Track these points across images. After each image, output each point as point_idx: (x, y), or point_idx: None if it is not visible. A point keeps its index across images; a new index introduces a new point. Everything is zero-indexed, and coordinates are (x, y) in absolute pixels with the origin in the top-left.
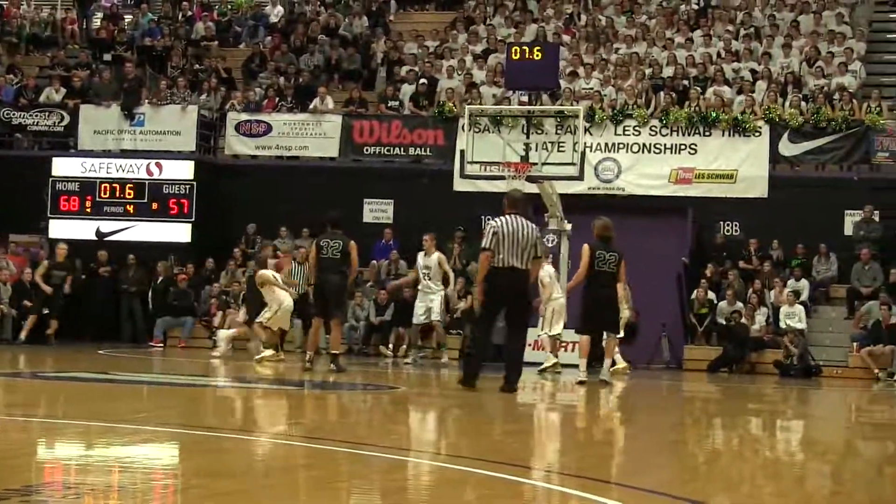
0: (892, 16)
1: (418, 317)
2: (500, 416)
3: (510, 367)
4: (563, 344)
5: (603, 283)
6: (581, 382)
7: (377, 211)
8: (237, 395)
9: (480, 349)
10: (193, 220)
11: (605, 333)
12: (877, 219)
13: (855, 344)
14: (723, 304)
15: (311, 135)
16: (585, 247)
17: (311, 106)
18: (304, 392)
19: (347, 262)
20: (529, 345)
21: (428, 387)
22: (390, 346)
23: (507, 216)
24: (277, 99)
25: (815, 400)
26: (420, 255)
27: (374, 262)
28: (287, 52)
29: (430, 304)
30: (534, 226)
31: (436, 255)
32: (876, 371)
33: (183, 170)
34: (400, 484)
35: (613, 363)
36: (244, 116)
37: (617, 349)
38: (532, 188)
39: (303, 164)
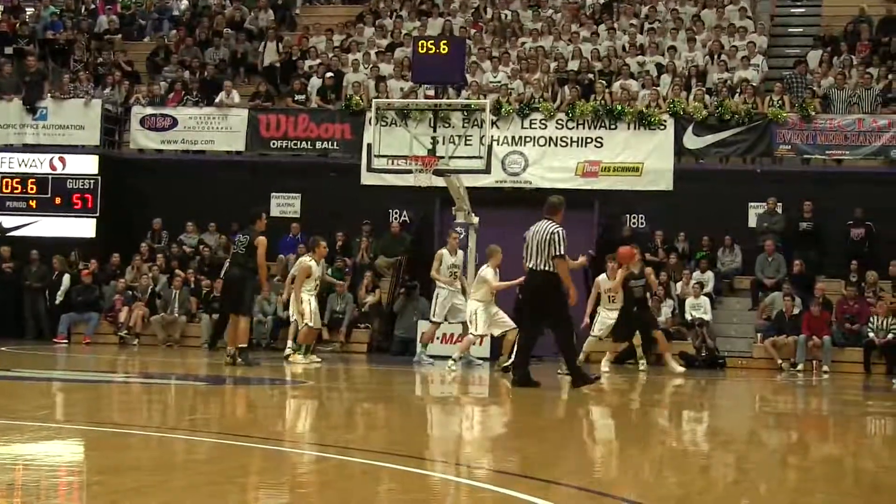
0: (793, 10)
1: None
2: (410, 410)
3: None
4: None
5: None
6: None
7: (284, 205)
8: (143, 390)
9: (525, 347)
10: (98, 215)
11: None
12: (780, 211)
13: (759, 335)
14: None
15: (217, 129)
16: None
17: (216, 100)
18: (211, 387)
19: (252, 257)
20: (439, 338)
21: (337, 381)
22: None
23: (538, 222)
24: (183, 93)
25: (720, 390)
26: (445, 253)
27: (282, 256)
28: (192, 46)
29: (458, 302)
30: (550, 227)
31: (460, 254)
32: (779, 362)
33: (87, 164)
34: (307, 478)
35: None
36: (149, 111)
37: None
38: (439, 181)
39: (209, 159)
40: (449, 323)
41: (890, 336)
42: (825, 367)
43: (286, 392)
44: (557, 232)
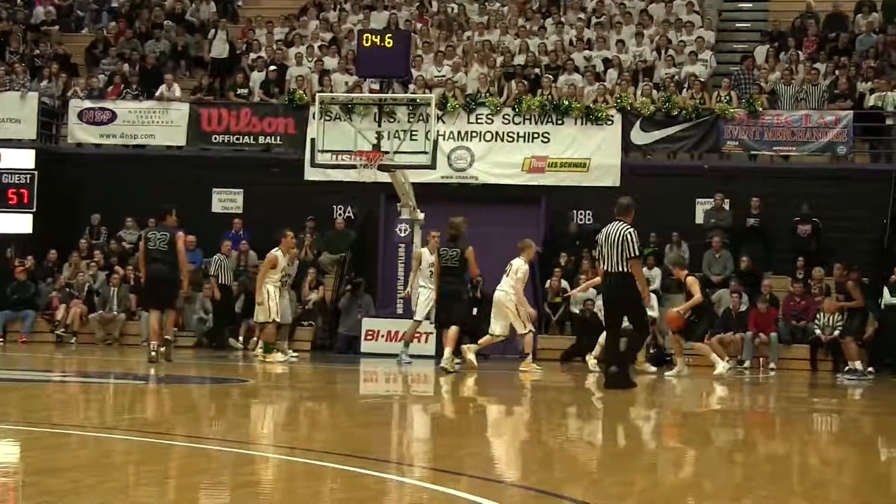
0: (740, 5)
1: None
2: (352, 408)
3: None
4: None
5: (447, 280)
6: (444, 370)
7: (226, 201)
8: (80, 389)
9: (611, 350)
10: (34, 210)
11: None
12: (727, 207)
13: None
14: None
15: (158, 123)
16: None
17: (157, 93)
18: (150, 386)
19: (174, 253)
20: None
21: (278, 380)
22: (240, 338)
23: (611, 223)
24: (122, 86)
25: (666, 388)
26: (425, 252)
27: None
28: (132, 38)
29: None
30: (623, 228)
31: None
32: (726, 358)
33: (23, 159)
34: (245, 479)
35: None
36: (87, 104)
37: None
38: (384, 177)
39: (149, 153)
40: (430, 322)
41: (836, 333)
42: (772, 364)
43: (227, 391)
44: (631, 233)
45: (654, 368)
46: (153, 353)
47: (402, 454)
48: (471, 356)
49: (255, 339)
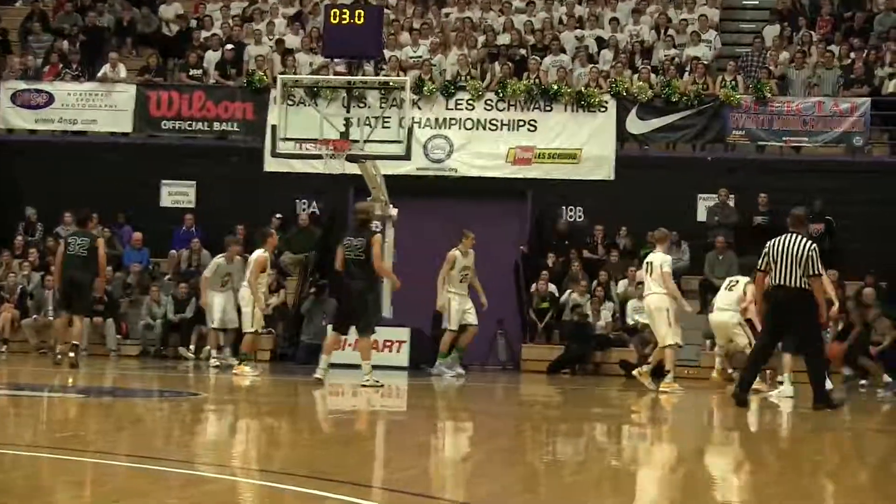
0: None
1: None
2: (314, 425)
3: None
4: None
5: (350, 273)
6: (318, 380)
7: (177, 194)
8: (10, 403)
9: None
10: None
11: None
12: (732, 203)
13: (708, 341)
14: (568, 297)
15: (101, 107)
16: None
17: (99, 74)
18: (91, 400)
19: (95, 259)
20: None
21: (234, 393)
22: (191, 347)
23: (786, 234)
24: (60, 66)
25: (664, 403)
26: (458, 255)
27: (174, 251)
28: (72, 12)
29: (466, 306)
30: (806, 243)
31: (472, 254)
32: (731, 371)
33: None
34: (193, 500)
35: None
36: (21, 85)
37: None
38: (353, 168)
39: (91, 141)
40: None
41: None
42: (781, 378)
43: (176, 405)
44: (816, 248)
45: (654, 386)
46: (62, 357)
47: (367, 475)
48: (645, 381)
49: (207, 347)
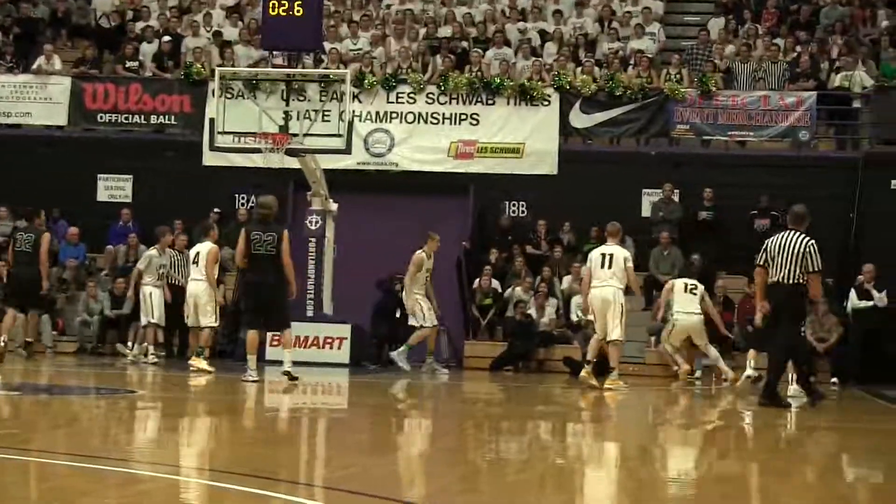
0: None
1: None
2: (253, 423)
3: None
4: None
5: (262, 269)
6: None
7: (113, 188)
8: None
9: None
10: None
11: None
12: (677, 198)
13: (652, 338)
14: (512, 293)
15: (35, 99)
16: (242, 231)
17: (34, 66)
18: (26, 397)
19: (38, 254)
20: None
21: (171, 390)
22: (129, 343)
23: (784, 231)
24: None
25: (608, 400)
26: (423, 256)
27: (110, 247)
28: (5, 3)
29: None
30: (804, 239)
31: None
32: (675, 368)
33: None
34: (130, 500)
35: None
36: None
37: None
38: (293, 162)
39: (25, 134)
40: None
41: None
42: (725, 375)
43: (113, 403)
44: (814, 245)
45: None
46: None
47: (308, 474)
48: (592, 381)
49: (145, 344)
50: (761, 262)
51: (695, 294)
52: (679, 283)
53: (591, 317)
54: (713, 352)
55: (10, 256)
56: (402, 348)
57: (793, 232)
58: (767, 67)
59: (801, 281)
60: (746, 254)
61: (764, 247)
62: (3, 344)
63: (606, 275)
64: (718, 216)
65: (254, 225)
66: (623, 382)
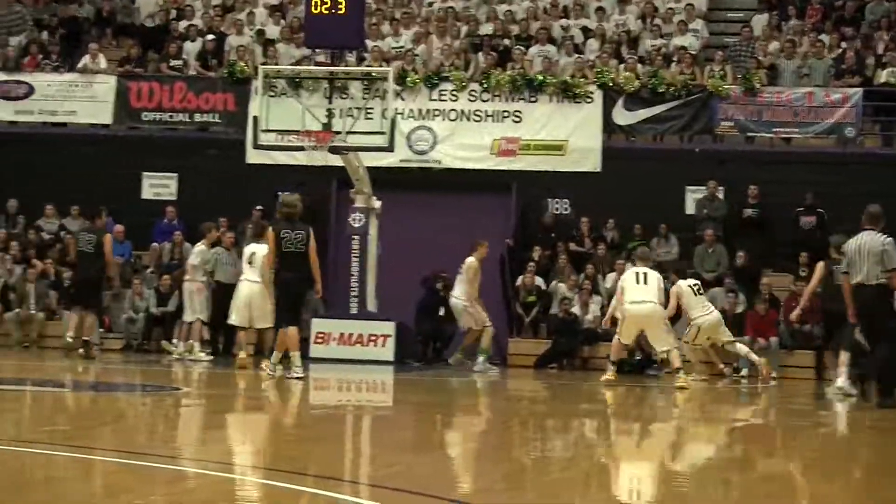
0: None
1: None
2: (295, 420)
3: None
4: None
5: (294, 266)
6: (299, 378)
7: (158, 186)
8: None
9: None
10: None
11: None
12: (721, 196)
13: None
14: (556, 290)
15: (81, 98)
16: (270, 230)
17: (79, 65)
18: (73, 394)
19: (101, 255)
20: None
21: (217, 388)
22: (174, 340)
23: (861, 233)
24: (40, 56)
25: (653, 398)
26: (477, 265)
27: (155, 244)
28: (51, 2)
29: None
30: (882, 239)
31: None
32: (721, 366)
33: None
34: (177, 498)
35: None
36: (1, 76)
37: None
38: (336, 160)
39: (71, 132)
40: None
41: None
42: (772, 373)
43: (159, 399)
44: (890, 242)
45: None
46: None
47: (353, 472)
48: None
49: (190, 341)
50: (844, 269)
51: (702, 293)
52: (686, 288)
53: (484, 322)
54: (742, 346)
55: (73, 257)
56: (480, 358)
57: (870, 232)
58: (812, 64)
59: (883, 280)
60: (792, 251)
61: (844, 251)
62: (70, 340)
63: (643, 291)
64: (763, 214)
65: (281, 224)
66: (689, 379)
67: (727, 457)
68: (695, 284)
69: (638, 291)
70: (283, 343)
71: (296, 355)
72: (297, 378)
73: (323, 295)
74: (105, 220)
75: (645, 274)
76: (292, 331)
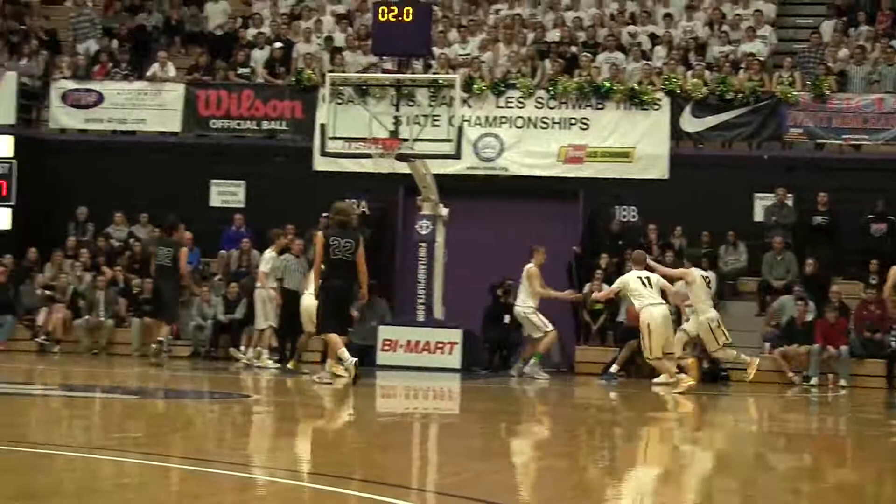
0: None
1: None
2: (363, 427)
3: None
4: None
5: (342, 274)
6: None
7: (226, 194)
8: (64, 404)
9: None
10: (13, 203)
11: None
12: (790, 203)
13: (767, 344)
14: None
15: (150, 106)
16: (318, 234)
17: (148, 73)
18: (141, 401)
19: (178, 268)
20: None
21: (284, 395)
22: (242, 347)
23: None
24: (110, 65)
25: (722, 407)
26: (537, 270)
27: (223, 251)
28: (121, 11)
29: None
30: None
31: None
32: (790, 375)
33: (0, 146)
34: None
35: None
36: (71, 85)
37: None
38: (403, 167)
39: (140, 140)
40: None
41: None
42: (842, 382)
43: (227, 407)
44: None
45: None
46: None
47: (420, 479)
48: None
49: (258, 348)
50: None
51: (711, 287)
52: (699, 278)
53: (544, 328)
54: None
55: (152, 270)
56: (532, 360)
57: None
58: (883, 70)
59: None
60: (861, 259)
61: None
62: (154, 347)
63: (654, 293)
64: (833, 221)
65: (332, 230)
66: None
67: (797, 466)
68: (707, 277)
69: (650, 294)
70: (336, 348)
71: (332, 362)
72: (327, 383)
73: (370, 299)
74: (182, 234)
75: (648, 278)
76: (333, 337)
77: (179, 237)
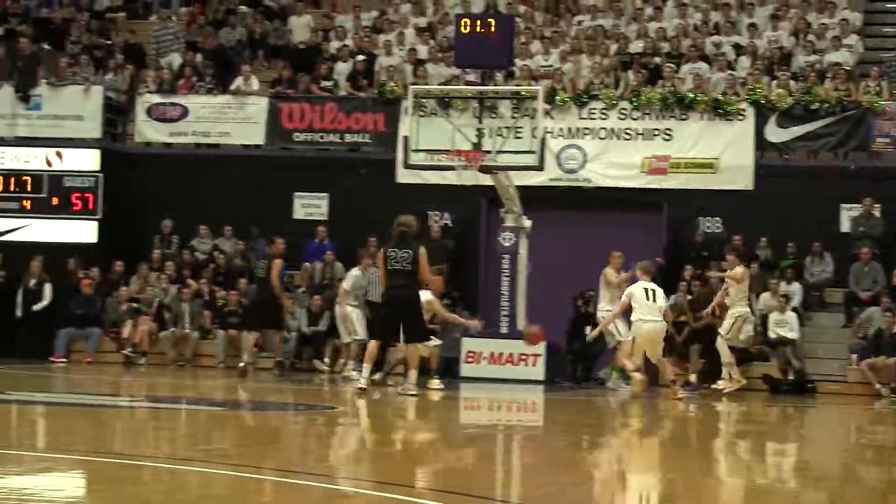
0: None
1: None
2: (447, 439)
3: None
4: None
5: (397, 283)
6: (361, 389)
7: (310, 206)
8: (151, 416)
9: None
10: (100, 217)
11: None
12: (878, 213)
13: (854, 356)
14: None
15: (234, 119)
16: (381, 249)
17: (232, 86)
18: (227, 413)
19: (269, 279)
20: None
21: (369, 407)
22: (326, 359)
23: None
24: (194, 79)
25: (810, 419)
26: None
27: (307, 264)
28: (205, 25)
29: None
30: None
31: None
32: (878, 386)
33: (87, 160)
34: None
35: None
36: (156, 99)
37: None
38: (486, 179)
39: (224, 153)
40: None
41: None
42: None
43: (311, 418)
44: None
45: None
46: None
47: (503, 491)
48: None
49: (342, 360)
50: None
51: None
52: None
53: (618, 336)
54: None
55: (249, 281)
56: (613, 375)
57: None
58: None
59: None
60: None
61: None
62: (242, 365)
63: (654, 308)
64: None
65: (392, 242)
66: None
67: (888, 479)
68: (651, 290)
69: (649, 309)
70: (413, 358)
71: (367, 367)
72: (360, 389)
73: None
74: (279, 248)
75: (654, 291)
76: (372, 344)
77: (276, 251)
